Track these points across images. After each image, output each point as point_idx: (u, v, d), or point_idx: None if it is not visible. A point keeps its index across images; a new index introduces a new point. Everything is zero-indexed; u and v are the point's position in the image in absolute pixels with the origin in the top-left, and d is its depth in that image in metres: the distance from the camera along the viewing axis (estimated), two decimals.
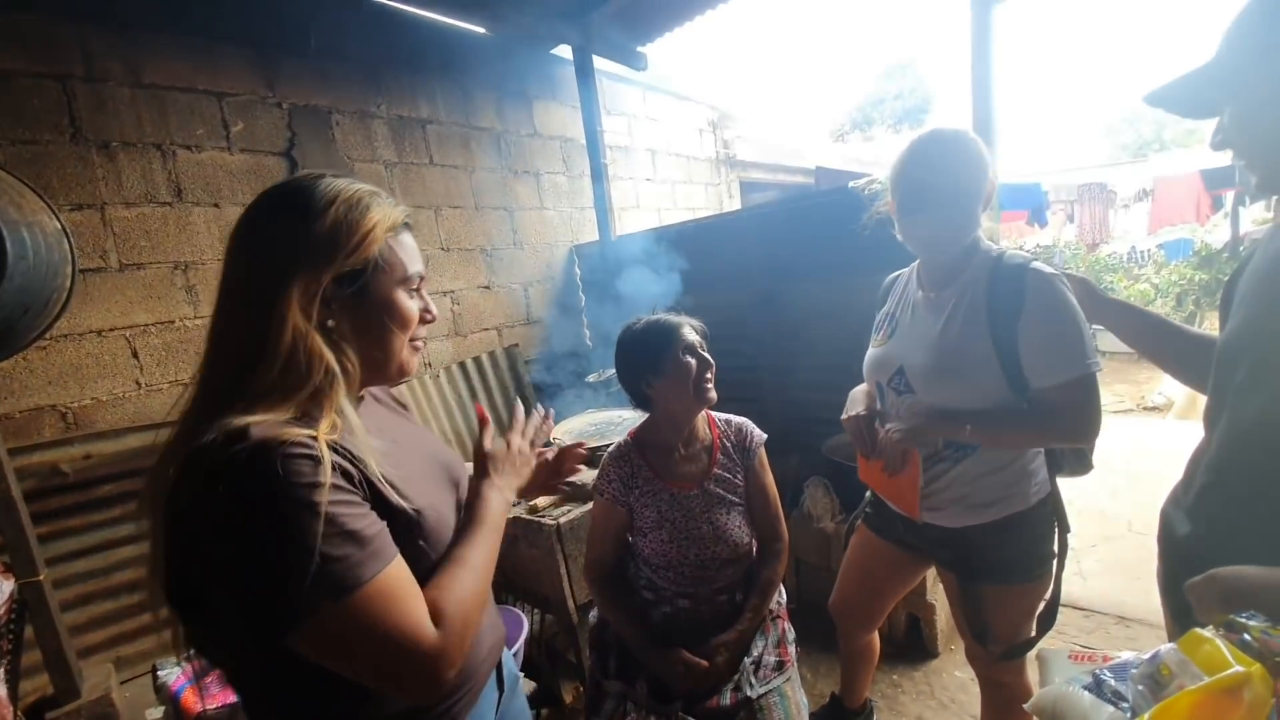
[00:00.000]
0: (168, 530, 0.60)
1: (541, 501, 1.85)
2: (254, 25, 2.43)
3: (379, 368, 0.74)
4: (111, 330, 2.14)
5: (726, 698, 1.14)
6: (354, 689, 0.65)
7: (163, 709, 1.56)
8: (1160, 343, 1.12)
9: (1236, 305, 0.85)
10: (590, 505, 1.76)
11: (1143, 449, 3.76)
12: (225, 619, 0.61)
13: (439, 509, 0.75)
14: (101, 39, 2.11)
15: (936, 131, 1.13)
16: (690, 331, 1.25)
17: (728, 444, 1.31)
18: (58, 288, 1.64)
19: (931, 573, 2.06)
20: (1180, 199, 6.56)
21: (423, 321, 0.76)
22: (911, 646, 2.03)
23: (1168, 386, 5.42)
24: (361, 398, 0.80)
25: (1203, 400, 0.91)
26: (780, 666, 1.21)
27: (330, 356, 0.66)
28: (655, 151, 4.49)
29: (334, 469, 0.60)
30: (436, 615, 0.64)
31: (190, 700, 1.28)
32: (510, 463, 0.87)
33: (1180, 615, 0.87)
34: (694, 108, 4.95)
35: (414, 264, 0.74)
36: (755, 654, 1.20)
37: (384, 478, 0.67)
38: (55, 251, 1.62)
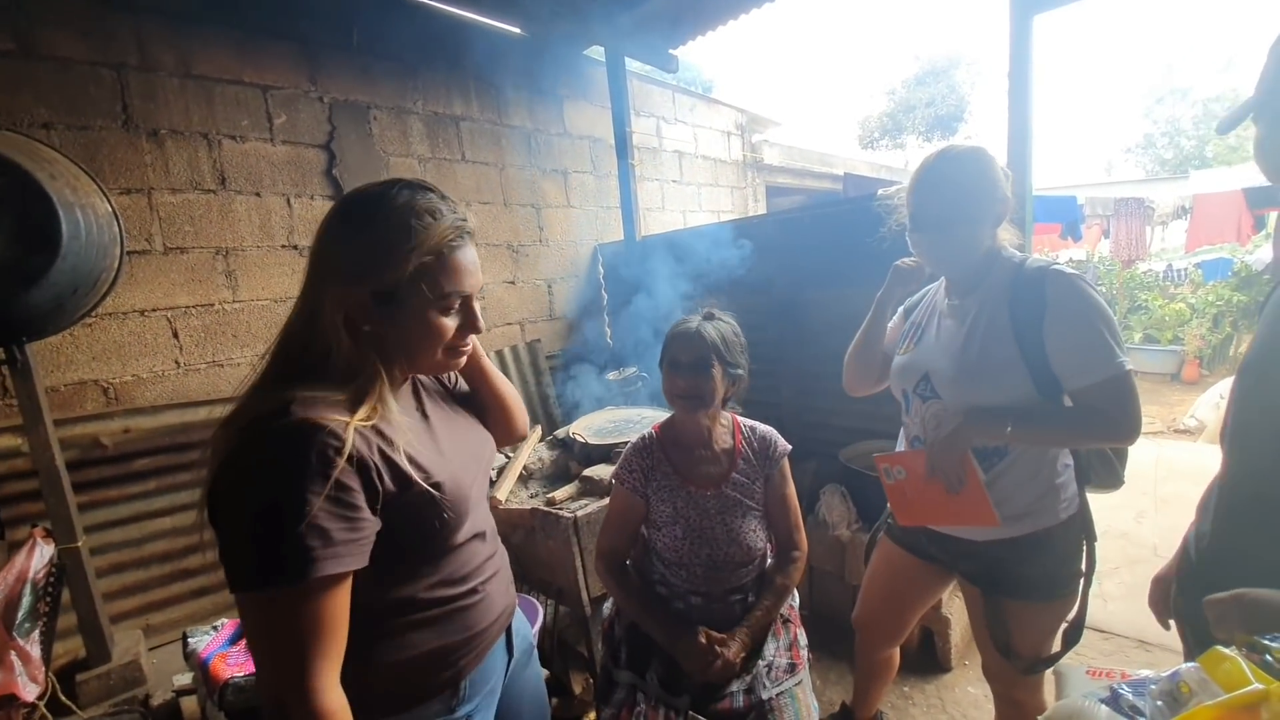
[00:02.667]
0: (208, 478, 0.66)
1: (560, 494, 1.88)
2: (299, 21, 2.51)
3: (413, 368, 0.82)
4: (154, 310, 2.22)
5: (739, 700, 1.14)
6: (368, 636, 0.72)
7: (191, 675, 1.61)
8: None
9: (1261, 324, 0.84)
10: (605, 500, 1.79)
11: (1171, 472, 3.66)
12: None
13: (458, 480, 0.80)
14: (154, 30, 2.20)
15: (949, 150, 1.15)
16: (683, 343, 1.21)
17: (750, 451, 1.30)
18: (106, 268, 1.72)
19: (948, 588, 2.05)
20: (1220, 217, 6.35)
21: (464, 333, 0.80)
22: (924, 659, 2.01)
23: (1200, 410, 5.26)
24: (412, 381, 0.89)
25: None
26: (792, 669, 1.21)
27: (368, 358, 0.72)
28: (683, 154, 4.51)
29: (351, 461, 0.65)
30: (333, 707, 0.63)
31: (219, 667, 1.33)
32: None
33: (1197, 634, 0.86)
34: (723, 111, 4.95)
35: (456, 284, 0.75)
36: (768, 657, 1.20)
37: (410, 456, 0.73)
38: (105, 233, 1.70)
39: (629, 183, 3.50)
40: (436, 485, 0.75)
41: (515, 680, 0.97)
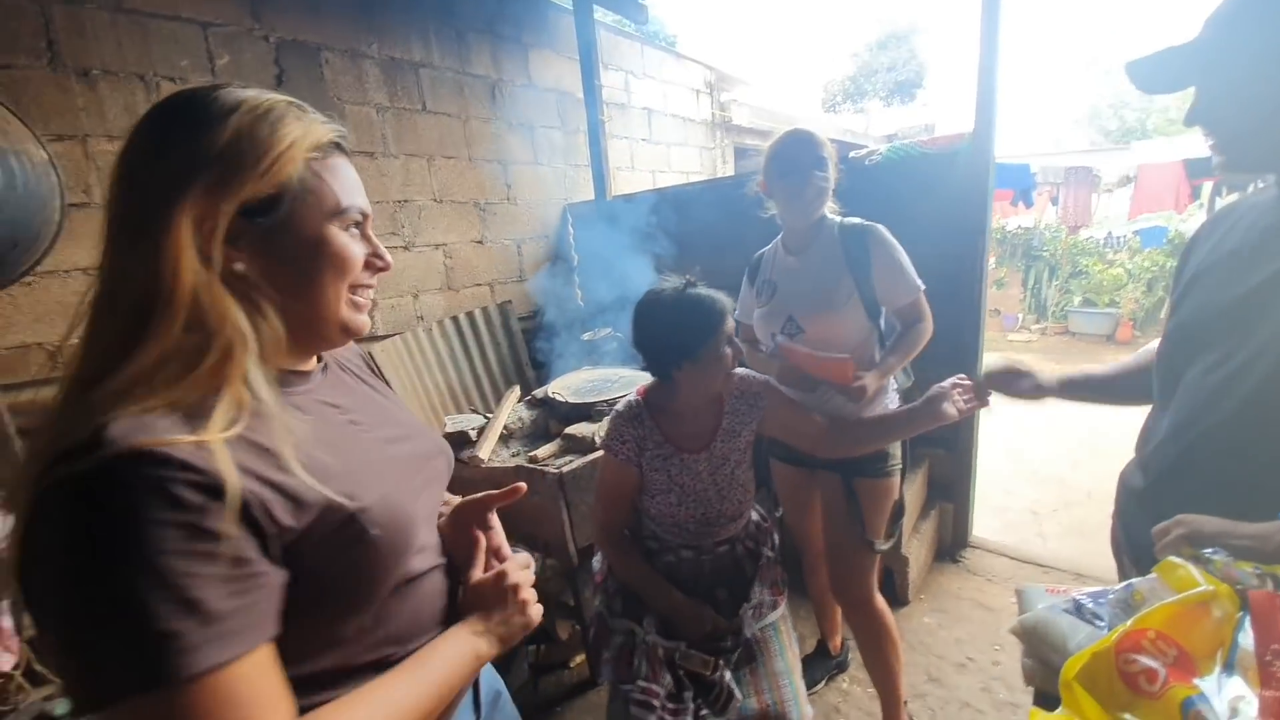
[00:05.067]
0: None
1: (542, 452, 1.90)
2: None
3: (309, 326, 0.58)
4: (98, 268, 2.07)
5: (729, 640, 1.21)
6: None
7: None
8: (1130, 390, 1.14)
9: (1194, 283, 0.90)
10: (589, 457, 1.82)
11: (1105, 425, 3.96)
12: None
13: (392, 500, 0.58)
14: None
15: (796, 131, 1.46)
16: (731, 318, 1.19)
17: (733, 404, 1.29)
18: (47, 220, 1.59)
19: (908, 530, 2.20)
20: (1161, 187, 6.71)
21: (371, 268, 0.61)
22: (885, 595, 2.16)
23: None
24: (324, 363, 0.67)
25: None
26: (774, 605, 1.30)
27: (237, 313, 0.51)
28: (652, 111, 4.41)
29: (203, 490, 0.44)
30: None
31: None
32: (504, 602, 0.67)
33: (1140, 560, 0.96)
34: (691, 67, 4.85)
35: (352, 196, 0.58)
36: (754, 598, 1.27)
37: (311, 467, 0.51)
38: (43, 183, 1.57)
39: (599, 139, 3.42)
40: (362, 509, 0.54)
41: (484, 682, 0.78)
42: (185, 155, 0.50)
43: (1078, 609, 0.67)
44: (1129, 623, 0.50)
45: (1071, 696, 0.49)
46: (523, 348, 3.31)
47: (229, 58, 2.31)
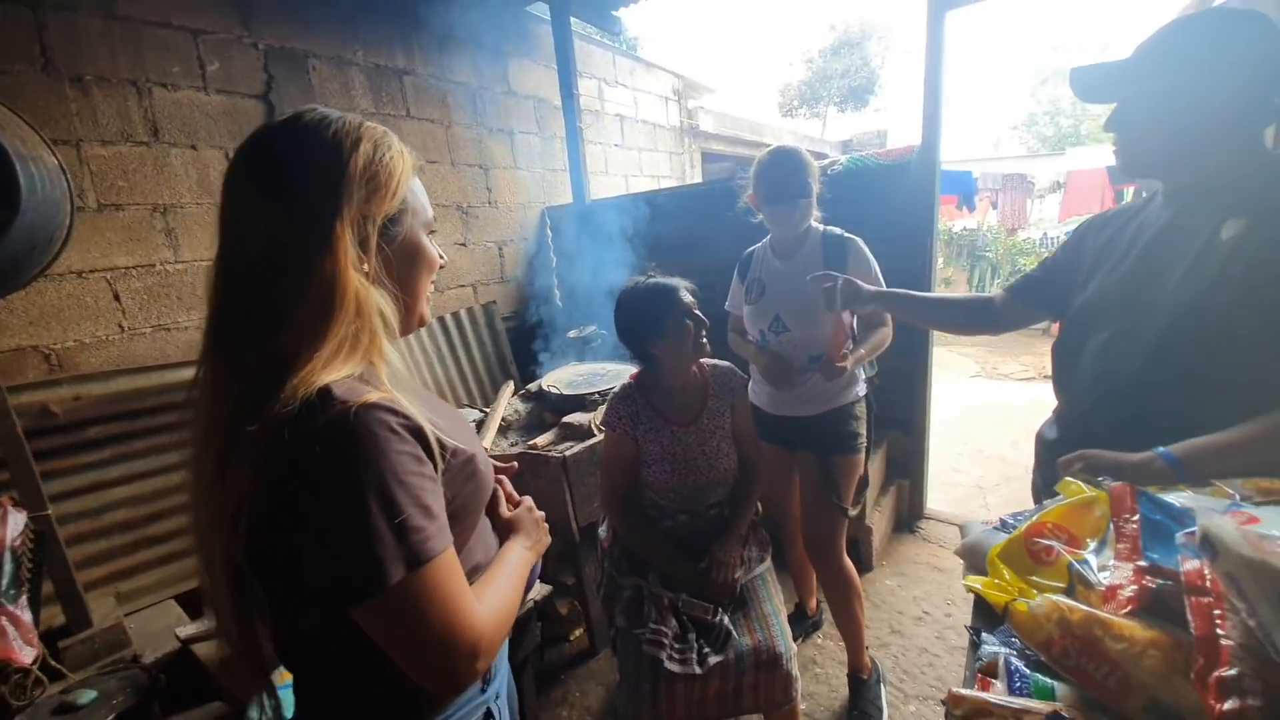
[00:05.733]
0: (254, 491, 0.55)
1: (541, 441, 2.05)
2: None
3: (404, 315, 0.70)
4: (92, 272, 2.10)
5: None
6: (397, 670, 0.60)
7: (194, 626, 1.67)
8: (936, 317, 1.46)
9: (1096, 269, 1.06)
10: (588, 442, 1.98)
11: (1042, 409, 4.35)
12: (298, 583, 0.58)
13: (473, 446, 0.73)
14: None
15: (781, 148, 1.64)
16: (687, 294, 1.44)
17: (715, 385, 1.53)
18: (59, 225, 1.64)
19: (871, 503, 2.44)
20: (1088, 191, 7.34)
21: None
22: (853, 561, 2.40)
23: None
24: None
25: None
26: (761, 558, 1.49)
27: (380, 304, 0.63)
28: (624, 117, 4.58)
29: (413, 435, 0.59)
30: (485, 625, 0.62)
31: None
32: (536, 526, 0.86)
33: (1048, 486, 1.16)
34: (660, 76, 5.04)
35: (429, 209, 0.72)
36: (745, 553, 1.46)
37: (433, 423, 0.63)
38: (56, 188, 1.62)
39: (577, 145, 3.57)
40: (474, 452, 0.71)
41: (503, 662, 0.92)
42: (332, 182, 0.60)
43: (1003, 525, 0.88)
44: (1035, 516, 0.71)
45: (995, 569, 0.69)
46: (507, 346, 3.43)
47: (219, 64, 2.36)
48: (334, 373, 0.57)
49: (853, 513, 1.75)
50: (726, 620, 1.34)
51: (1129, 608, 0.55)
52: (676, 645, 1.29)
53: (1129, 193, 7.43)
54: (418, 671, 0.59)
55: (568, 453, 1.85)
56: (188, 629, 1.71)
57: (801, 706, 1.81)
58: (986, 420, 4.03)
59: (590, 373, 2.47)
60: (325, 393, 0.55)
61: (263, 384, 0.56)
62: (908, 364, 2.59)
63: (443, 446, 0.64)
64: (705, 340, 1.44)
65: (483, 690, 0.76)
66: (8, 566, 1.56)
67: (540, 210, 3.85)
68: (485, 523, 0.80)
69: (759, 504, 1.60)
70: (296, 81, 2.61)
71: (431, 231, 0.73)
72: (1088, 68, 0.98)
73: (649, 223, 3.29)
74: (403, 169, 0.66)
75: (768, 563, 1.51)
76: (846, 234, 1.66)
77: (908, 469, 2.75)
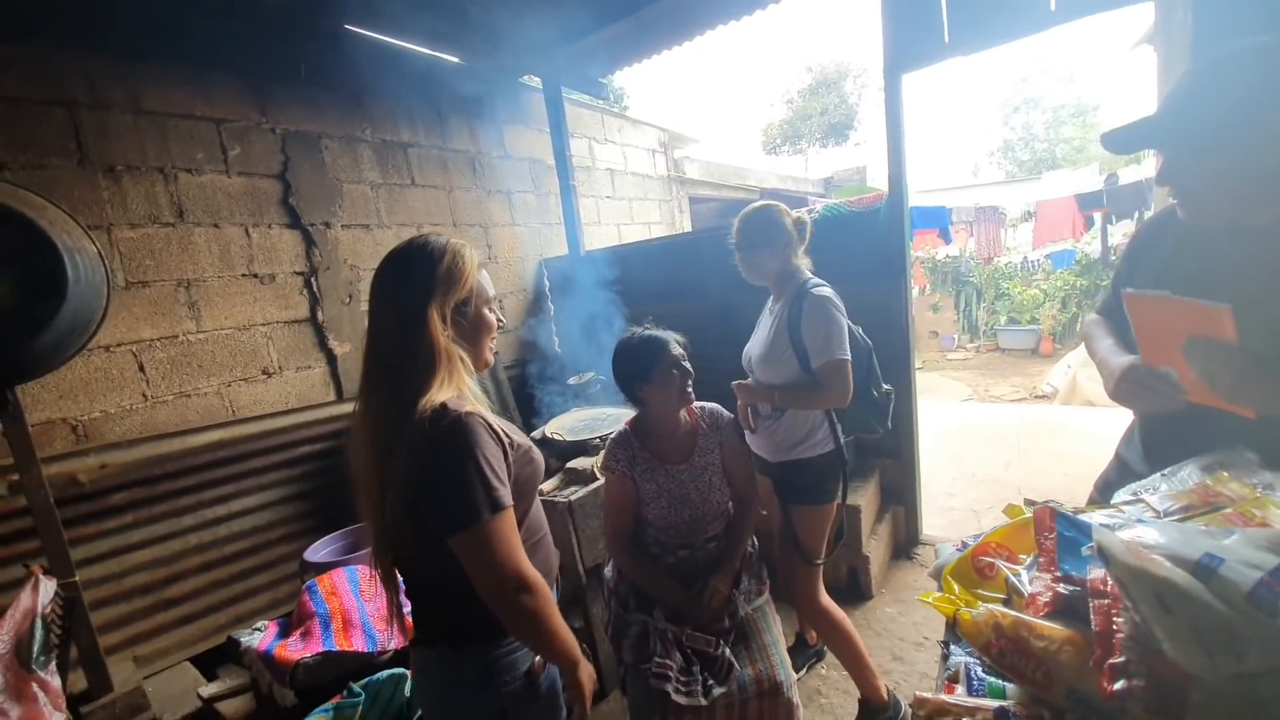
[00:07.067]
0: (410, 464, 0.90)
1: (547, 486, 2.14)
2: (247, 55, 2.59)
3: (474, 361, 1.06)
4: (119, 345, 2.24)
5: (725, 620, 1.48)
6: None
7: (216, 685, 1.73)
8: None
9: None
10: (592, 486, 2.08)
11: (1032, 430, 4.46)
12: (433, 520, 0.91)
13: (533, 445, 1.09)
14: (103, 67, 2.23)
15: (750, 211, 1.78)
16: (675, 347, 1.56)
17: (704, 425, 1.64)
18: (98, 307, 1.79)
19: (866, 532, 2.51)
20: (1058, 219, 7.65)
21: (498, 327, 1.11)
22: (851, 590, 2.47)
23: (1054, 378, 6.31)
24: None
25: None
26: (760, 591, 1.58)
27: (455, 356, 0.98)
28: (614, 171, 4.84)
29: (493, 434, 0.95)
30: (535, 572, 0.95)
31: (284, 654, 1.48)
32: (584, 677, 1.06)
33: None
34: (647, 130, 5.34)
35: (491, 290, 1.09)
36: (743, 586, 1.55)
37: (502, 428, 1.01)
38: (97, 274, 1.77)
39: (571, 203, 3.79)
40: (531, 445, 1.06)
41: None
42: (430, 278, 0.98)
43: (964, 546, 0.99)
44: (981, 537, 0.82)
45: (948, 584, 0.79)
46: (509, 393, 3.55)
47: (240, 149, 2.57)
48: (442, 395, 0.92)
49: (818, 562, 1.77)
50: (728, 652, 1.41)
51: (1046, 611, 0.66)
52: (682, 678, 1.37)
53: (1098, 218, 7.72)
54: (483, 589, 0.91)
55: (573, 497, 1.95)
56: (209, 688, 1.76)
57: None
58: (980, 442, 4.12)
59: (592, 418, 2.58)
60: (443, 405, 0.91)
61: (403, 405, 0.92)
62: (892, 383, 2.70)
63: (511, 441, 0.99)
64: (689, 390, 1.56)
65: None
66: (39, 634, 1.64)
67: (538, 262, 4.04)
68: (539, 504, 1.13)
69: (755, 538, 1.69)
70: (310, 160, 2.82)
71: (494, 304, 1.09)
72: (1120, 129, 0.94)
73: (641, 269, 3.47)
74: (470, 269, 1.02)
75: (766, 595, 1.59)
76: (815, 289, 1.66)
77: (901, 495, 2.83)
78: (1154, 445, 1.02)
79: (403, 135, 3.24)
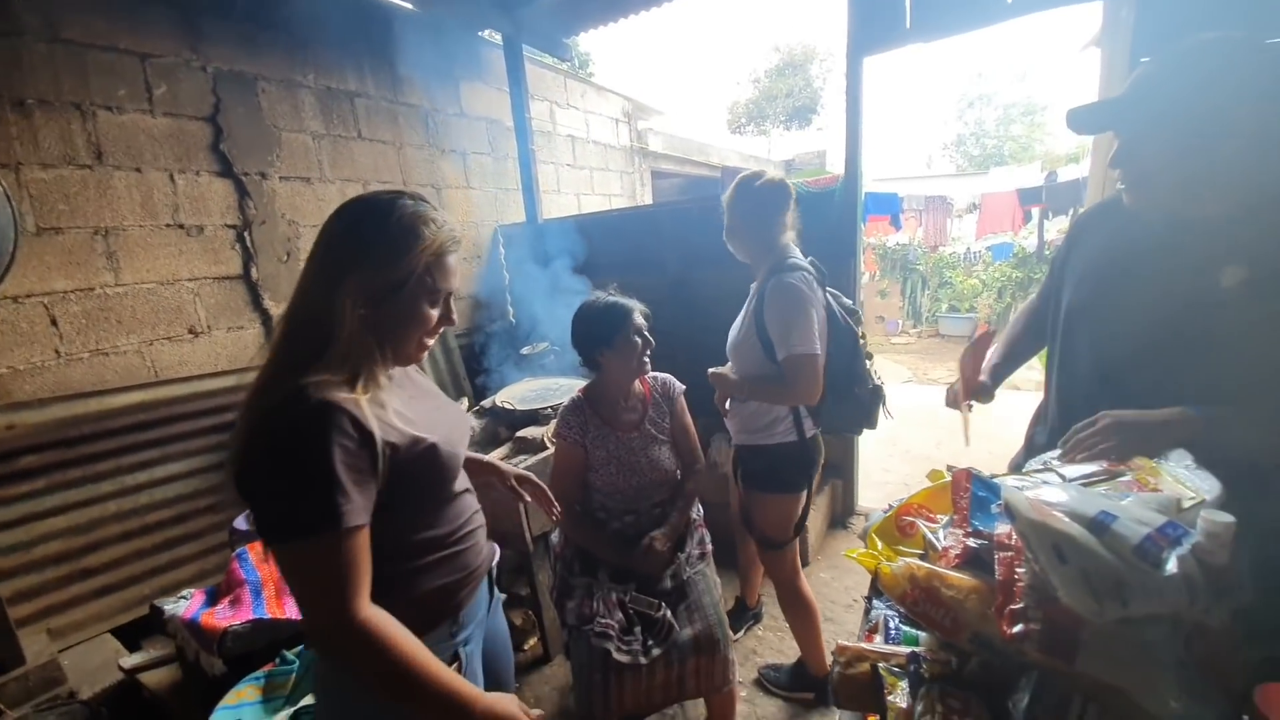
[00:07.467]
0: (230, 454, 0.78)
1: (496, 454, 2.13)
2: None
3: (397, 354, 0.90)
4: (28, 297, 2.06)
5: (668, 582, 1.54)
6: (389, 575, 0.84)
7: (138, 656, 1.66)
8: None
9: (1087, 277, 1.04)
10: (541, 455, 2.08)
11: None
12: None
13: (450, 439, 0.94)
14: None
15: (737, 182, 1.68)
16: (639, 316, 1.58)
17: (657, 396, 1.68)
18: (4, 252, 1.63)
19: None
20: (1001, 212, 8.03)
21: (441, 325, 0.93)
22: None
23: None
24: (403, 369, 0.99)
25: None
26: (703, 556, 1.64)
27: (367, 340, 0.83)
28: (575, 138, 4.74)
29: (358, 429, 0.77)
30: (371, 617, 0.75)
31: (210, 621, 1.43)
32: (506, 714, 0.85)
33: None
34: (611, 98, 5.23)
35: (445, 282, 0.90)
36: (687, 550, 1.60)
37: (405, 418, 0.86)
38: (3, 214, 1.61)
39: (530, 168, 3.68)
40: (433, 443, 0.88)
41: (494, 618, 1.13)
42: (359, 245, 0.84)
43: (889, 508, 1.05)
44: (904, 499, 0.88)
45: (872, 542, 0.85)
46: (460, 362, 3.49)
47: (166, 87, 2.36)
48: (322, 378, 0.78)
49: (773, 549, 1.77)
50: (669, 614, 1.47)
51: (956, 563, 0.72)
52: (624, 637, 1.41)
53: (1035, 213, 8.15)
54: (302, 617, 0.77)
55: (522, 466, 1.95)
56: (131, 659, 1.69)
57: (741, 694, 1.96)
58: (915, 423, 4.35)
59: (542, 388, 2.57)
60: (303, 387, 0.76)
61: (275, 376, 0.81)
62: None
63: (400, 436, 0.84)
64: (648, 359, 1.58)
65: (452, 635, 0.95)
66: None
67: (493, 228, 3.93)
68: (457, 504, 0.99)
69: (700, 505, 1.74)
70: (245, 103, 2.62)
71: (439, 299, 0.91)
72: (1083, 107, 0.95)
73: (600, 241, 3.44)
74: (421, 250, 0.86)
75: (708, 561, 1.66)
76: (785, 274, 1.55)
77: (840, 470, 2.97)
78: (1067, 423, 1.05)
79: (350, 84, 3.05)
